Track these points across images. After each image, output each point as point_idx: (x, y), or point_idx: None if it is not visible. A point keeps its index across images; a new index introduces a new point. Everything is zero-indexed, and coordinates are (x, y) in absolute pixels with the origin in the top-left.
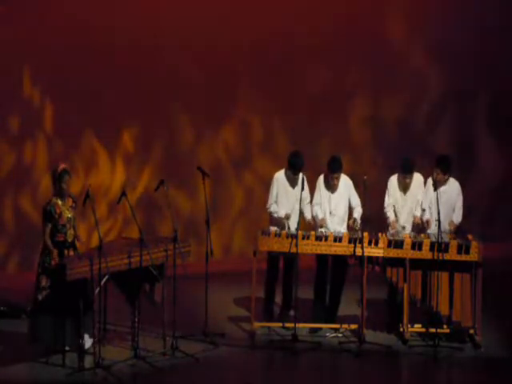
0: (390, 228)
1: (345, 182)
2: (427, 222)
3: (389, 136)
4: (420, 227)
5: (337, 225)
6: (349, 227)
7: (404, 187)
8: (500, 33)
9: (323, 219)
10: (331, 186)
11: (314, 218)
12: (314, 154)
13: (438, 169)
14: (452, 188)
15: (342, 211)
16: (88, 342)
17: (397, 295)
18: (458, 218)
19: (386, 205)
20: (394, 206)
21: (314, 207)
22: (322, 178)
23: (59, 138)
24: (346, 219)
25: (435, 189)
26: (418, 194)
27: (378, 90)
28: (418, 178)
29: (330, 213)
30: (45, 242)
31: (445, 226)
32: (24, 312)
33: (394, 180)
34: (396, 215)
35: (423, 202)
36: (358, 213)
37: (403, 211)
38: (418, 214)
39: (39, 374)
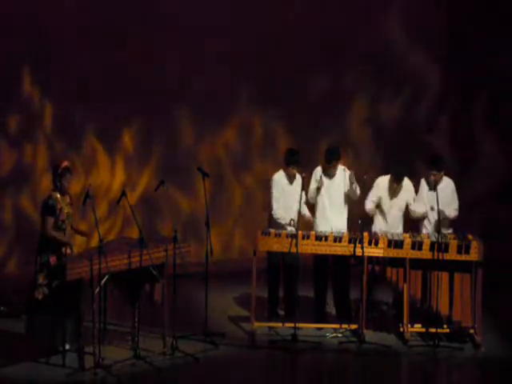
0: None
1: (343, 170)
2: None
3: (388, 136)
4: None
5: (337, 215)
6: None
7: (393, 192)
8: (500, 32)
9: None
10: (328, 174)
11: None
12: (313, 154)
13: (434, 169)
14: (446, 186)
15: (340, 198)
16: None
17: (373, 292)
18: (450, 211)
19: (367, 201)
20: (378, 204)
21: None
22: (319, 168)
23: (59, 138)
24: (346, 211)
25: (431, 189)
26: (406, 200)
27: (378, 90)
28: (407, 184)
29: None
30: (50, 235)
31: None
32: (24, 312)
33: (382, 181)
34: (382, 214)
35: (417, 202)
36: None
37: (389, 216)
38: (413, 207)
39: (39, 374)
